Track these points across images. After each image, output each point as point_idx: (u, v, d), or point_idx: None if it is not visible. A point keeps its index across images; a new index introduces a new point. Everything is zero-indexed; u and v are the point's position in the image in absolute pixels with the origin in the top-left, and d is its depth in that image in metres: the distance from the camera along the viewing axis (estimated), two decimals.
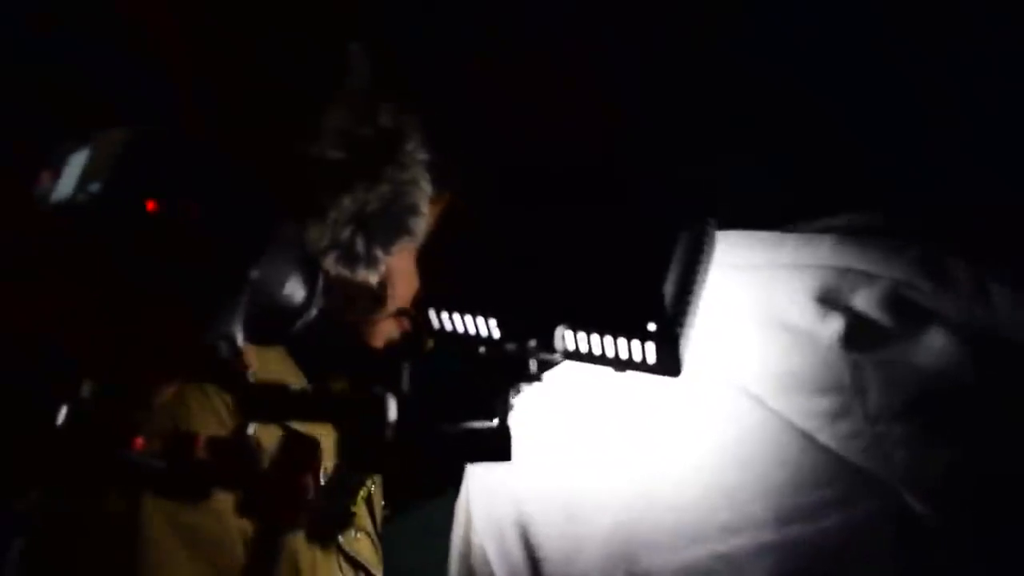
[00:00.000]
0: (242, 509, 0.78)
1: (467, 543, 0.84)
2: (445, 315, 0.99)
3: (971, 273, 0.76)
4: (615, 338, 0.87)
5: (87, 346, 0.78)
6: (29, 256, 0.79)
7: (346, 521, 1.19)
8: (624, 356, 0.87)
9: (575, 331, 0.89)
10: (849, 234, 0.79)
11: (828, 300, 0.76)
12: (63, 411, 0.70)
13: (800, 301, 0.76)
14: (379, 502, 1.43)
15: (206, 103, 1.11)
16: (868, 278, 0.76)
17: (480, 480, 0.84)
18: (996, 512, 0.72)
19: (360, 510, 1.29)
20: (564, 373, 0.87)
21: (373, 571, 1.31)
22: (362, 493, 1.25)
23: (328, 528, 1.17)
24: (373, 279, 1.12)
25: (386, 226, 1.10)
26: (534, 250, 0.95)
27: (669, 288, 0.85)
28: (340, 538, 1.23)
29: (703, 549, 0.74)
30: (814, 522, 0.73)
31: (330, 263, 1.06)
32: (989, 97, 0.84)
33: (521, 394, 0.85)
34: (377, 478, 1.42)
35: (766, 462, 0.75)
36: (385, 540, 1.37)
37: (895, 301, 0.75)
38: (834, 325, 0.74)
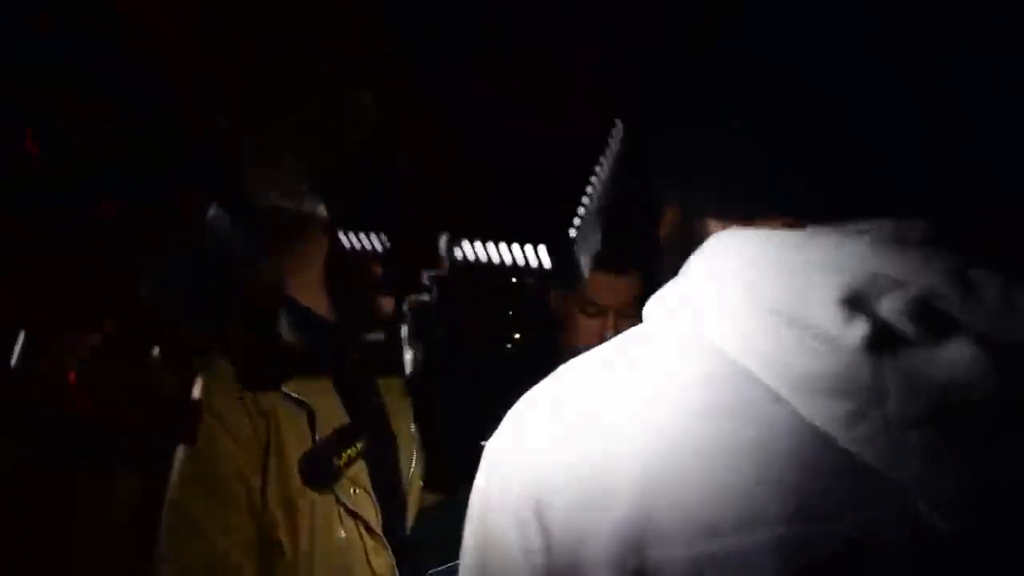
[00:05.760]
0: None
1: (484, 524, 0.84)
2: (352, 235, 1.03)
3: (999, 284, 0.75)
4: (508, 244, 0.88)
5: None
6: (29, 256, 0.80)
7: (332, 473, 1.37)
8: (521, 263, 0.88)
9: (461, 240, 0.90)
10: (878, 239, 0.78)
11: (854, 303, 0.74)
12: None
13: (826, 302, 0.75)
14: (417, 484, 1.67)
15: (206, 103, 1.11)
16: (896, 284, 0.75)
17: (499, 464, 0.84)
18: (1011, 525, 0.72)
19: (360, 472, 1.45)
20: (580, 364, 0.87)
21: (372, 526, 1.46)
22: (349, 451, 1.41)
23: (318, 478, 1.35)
24: None
25: None
26: (417, 166, 0.97)
27: (560, 189, 0.85)
28: (339, 492, 1.41)
29: (716, 543, 0.73)
30: (829, 521, 0.73)
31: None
32: (989, 97, 0.84)
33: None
34: (419, 460, 1.68)
35: (784, 460, 0.75)
36: (428, 527, 1.61)
37: (922, 309, 0.74)
38: (858, 329, 0.73)
